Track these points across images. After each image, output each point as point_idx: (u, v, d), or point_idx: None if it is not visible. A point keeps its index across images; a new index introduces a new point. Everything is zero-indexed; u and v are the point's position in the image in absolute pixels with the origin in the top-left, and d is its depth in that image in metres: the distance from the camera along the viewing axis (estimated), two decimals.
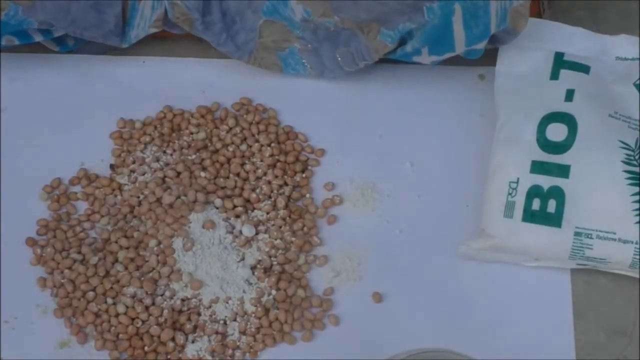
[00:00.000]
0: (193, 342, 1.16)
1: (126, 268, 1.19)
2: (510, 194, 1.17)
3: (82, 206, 1.24)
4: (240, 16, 1.28)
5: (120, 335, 1.16)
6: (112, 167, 1.26)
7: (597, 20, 1.35)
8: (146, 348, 1.15)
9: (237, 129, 1.28)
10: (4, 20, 1.25)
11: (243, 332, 1.17)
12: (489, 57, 1.25)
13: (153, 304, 1.17)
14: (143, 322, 1.16)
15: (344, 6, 1.26)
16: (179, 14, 1.28)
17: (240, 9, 1.28)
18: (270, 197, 1.24)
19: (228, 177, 1.25)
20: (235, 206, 1.23)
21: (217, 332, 1.16)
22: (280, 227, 1.22)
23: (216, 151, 1.26)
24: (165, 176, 1.24)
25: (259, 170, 1.25)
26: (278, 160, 1.26)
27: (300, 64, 1.29)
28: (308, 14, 1.28)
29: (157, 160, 1.26)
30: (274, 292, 1.18)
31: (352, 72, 1.29)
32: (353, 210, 1.24)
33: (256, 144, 1.27)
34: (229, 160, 1.26)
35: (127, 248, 1.20)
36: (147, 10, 1.29)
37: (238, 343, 1.16)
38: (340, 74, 1.29)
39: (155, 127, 1.28)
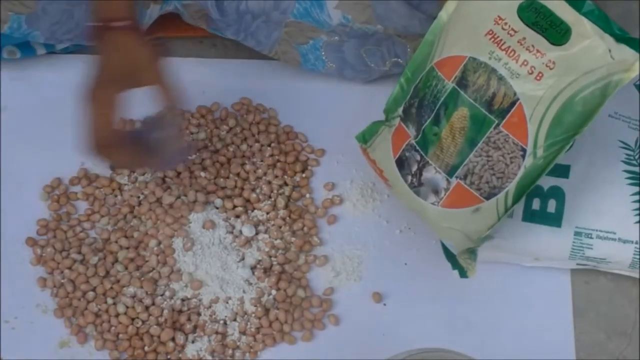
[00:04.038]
0: (193, 342, 1.16)
1: (126, 268, 1.19)
2: None
3: (82, 206, 1.24)
4: (266, 15, 1.28)
5: (120, 335, 1.16)
6: (112, 167, 1.26)
7: None
8: (146, 348, 1.15)
9: (237, 129, 1.28)
10: (7, 32, 1.25)
11: (243, 332, 1.17)
12: None
13: (153, 304, 1.17)
14: (143, 322, 1.16)
15: (388, 13, 1.26)
16: (193, 12, 1.28)
17: (265, 10, 1.28)
18: (270, 197, 1.24)
19: (228, 177, 1.25)
20: (235, 206, 1.23)
21: (217, 332, 1.16)
22: (280, 227, 1.22)
23: (216, 151, 1.26)
24: (165, 176, 1.24)
25: (259, 170, 1.25)
26: (278, 160, 1.26)
27: (320, 59, 1.28)
28: (347, 20, 1.27)
29: None
30: (274, 292, 1.18)
31: (372, 77, 1.29)
32: (353, 210, 1.24)
33: (256, 144, 1.27)
34: (229, 160, 1.26)
35: (127, 248, 1.20)
36: (156, 12, 1.29)
37: (238, 343, 1.16)
38: (361, 75, 1.29)
39: None
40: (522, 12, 1.04)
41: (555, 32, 1.03)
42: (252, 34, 1.28)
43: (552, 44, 1.03)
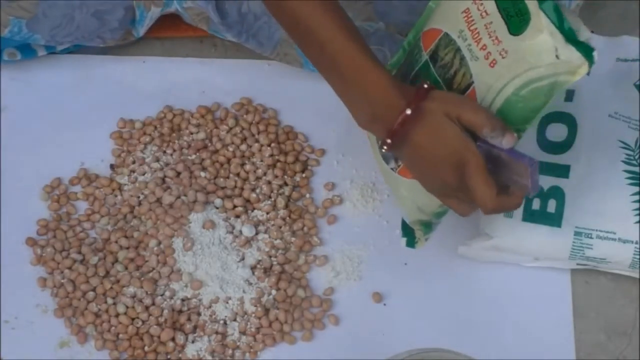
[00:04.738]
0: (193, 342, 1.16)
1: (126, 268, 1.19)
2: None
3: (82, 206, 1.24)
4: (268, 16, 1.27)
5: (120, 335, 1.16)
6: (112, 167, 1.26)
7: (597, 21, 1.35)
8: (146, 348, 1.15)
9: (237, 129, 1.28)
10: (7, 36, 1.25)
11: (243, 332, 1.17)
12: None
13: (153, 304, 1.17)
14: (143, 322, 1.16)
15: (389, 10, 1.26)
16: (194, 15, 1.28)
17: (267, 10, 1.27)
18: (270, 197, 1.24)
19: (228, 177, 1.25)
20: (235, 206, 1.23)
21: (217, 332, 1.16)
22: (280, 227, 1.22)
23: (216, 151, 1.26)
24: (165, 176, 1.24)
25: (259, 170, 1.25)
26: (278, 160, 1.26)
27: None
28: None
29: (157, 160, 1.26)
30: (274, 292, 1.18)
31: None
32: (353, 210, 1.24)
33: (256, 144, 1.26)
34: (229, 160, 1.26)
35: (127, 248, 1.20)
36: (156, 14, 1.29)
37: (238, 343, 1.16)
38: None
39: (155, 127, 1.28)
40: None
41: (517, 21, 0.99)
42: (253, 35, 1.28)
43: (510, 32, 0.99)
